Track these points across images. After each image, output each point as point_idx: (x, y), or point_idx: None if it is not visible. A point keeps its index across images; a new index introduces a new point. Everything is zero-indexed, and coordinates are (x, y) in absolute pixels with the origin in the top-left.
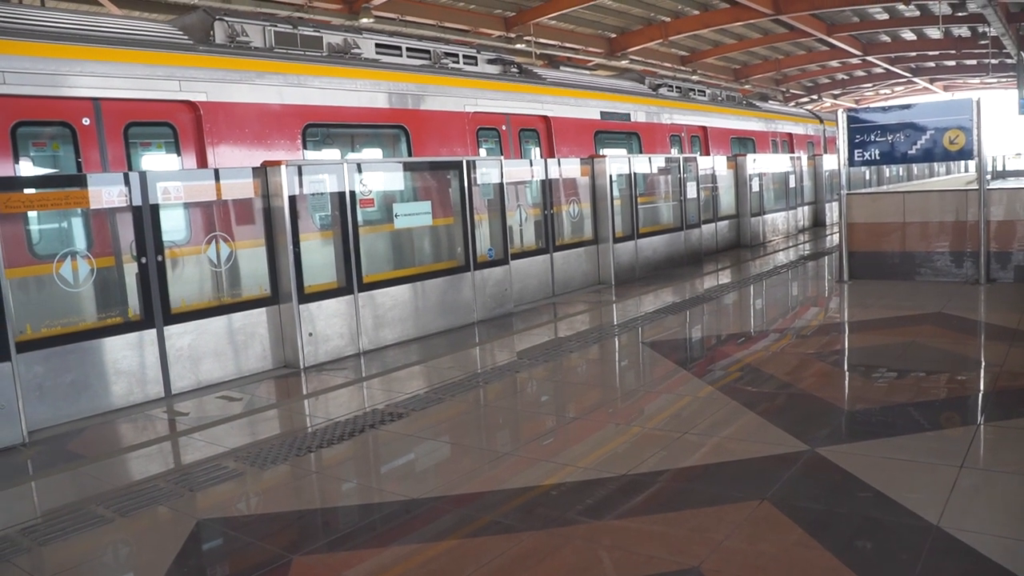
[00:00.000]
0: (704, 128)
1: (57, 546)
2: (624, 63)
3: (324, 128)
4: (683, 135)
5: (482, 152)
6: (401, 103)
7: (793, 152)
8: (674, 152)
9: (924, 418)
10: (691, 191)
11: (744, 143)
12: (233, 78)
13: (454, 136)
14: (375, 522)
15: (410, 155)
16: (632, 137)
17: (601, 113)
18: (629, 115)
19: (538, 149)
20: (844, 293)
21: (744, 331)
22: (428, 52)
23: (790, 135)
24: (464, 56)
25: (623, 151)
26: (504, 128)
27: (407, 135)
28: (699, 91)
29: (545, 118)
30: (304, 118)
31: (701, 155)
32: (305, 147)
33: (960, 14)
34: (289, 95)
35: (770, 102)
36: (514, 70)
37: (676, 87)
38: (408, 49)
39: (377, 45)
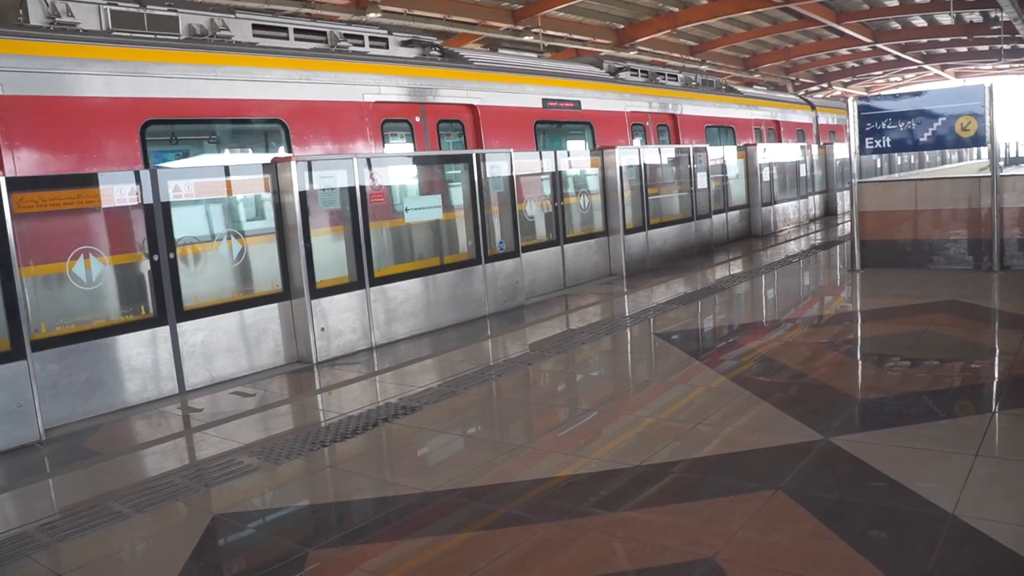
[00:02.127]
0: (673, 116)
1: (75, 542)
2: (632, 54)
3: (172, 125)
4: (648, 124)
5: (392, 147)
6: (280, 93)
7: (782, 140)
8: (637, 143)
9: (938, 407)
10: (701, 181)
11: (722, 132)
12: (42, 67)
13: (349, 130)
14: (389, 515)
15: (290, 151)
16: (583, 128)
17: (543, 101)
18: (579, 103)
19: (462, 144)
20: (856, 282)
21: (756, 321)
22: (324, 34)
23: (776, 123)
24: (372, 38)
25: (574, 144)
26: (417, 120)
27: (286, 130)
28: (670, 75)
29: (471, 107)
30: (143, 114)
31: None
32: (146, 148)
33: None
34: (122, 86)
35: (755, 87)
36: (435, 53)
37: (642, 71)
38: (297, 31)
39: (255, 27)
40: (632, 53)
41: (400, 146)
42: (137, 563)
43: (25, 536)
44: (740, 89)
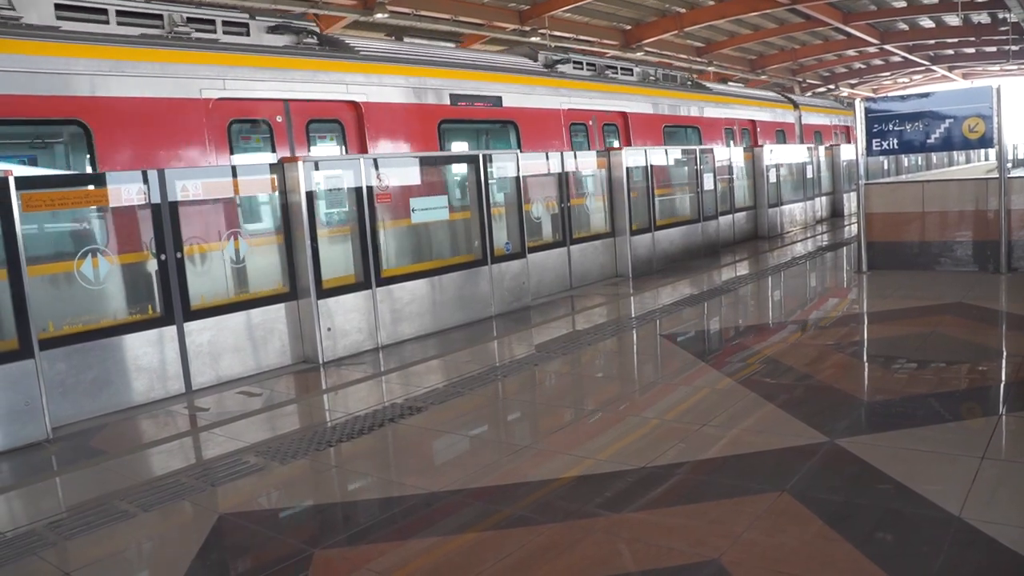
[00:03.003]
0: (624, 114)
1: (82, 540)
2: (639, 55)
3: None
4: (591, 124)
5: (242, 157)
6: (81, 89)
7: (759, 142)
8: (570, 146)
9: (945, 409)
10: (708, 182)
11: (686, 133)
12: None
13: (179, 133)
14: (395, 516)
15: (94, 164)
16: (505, 128)
17: (452, 97)
18: (500, 99)
19: (342, 147)
20: (863, 284)
21: (762, 323)
22: (159, 17)
23: (752, 122)
24: (227, 23)
25: (499, 147)
26: (280, 120)
27: (88, 133)
28: (624, 69)
29: (354, 105)
30: None
31: (621, 147)
32: None
33: (979, 0)
34: None
35: (730, 84)
36: (310, 40)
37: (588, 64)
38: (122, 13)
39: (58, 7)
40: (639, 54)
41: (255, 153)
42: (144, 562)
43: (33, 534)
44: (709, 85)
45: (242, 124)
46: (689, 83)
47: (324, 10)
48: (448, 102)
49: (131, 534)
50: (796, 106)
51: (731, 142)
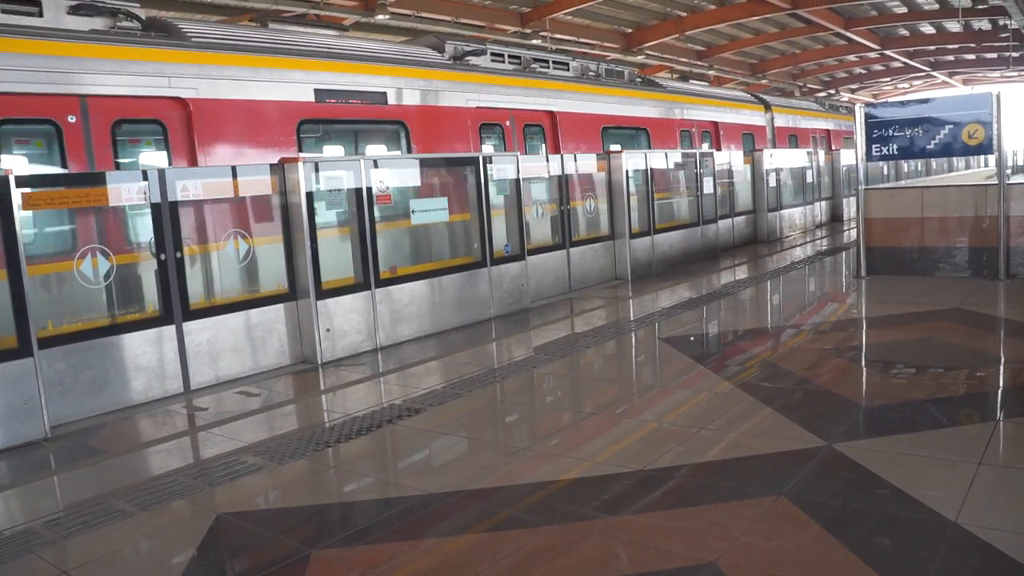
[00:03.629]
0: (551, 114)
1: (80, 539)
2: (640, 58)
3: None
4: (507, 124)
5: (16, 166)
6: None
7: (722, 147)
8: (490, 148)
9: (943, 414)
10: (708, 186)
11: (632, 135)
12: None
13: None
14: (393, 517)
15: None
16: (393, 130)
17: (317, 92)
18: (385, 95)
19: (164, 153)
20: (862, 289)
21: (761, 327)
22: None
23: (715, 124)
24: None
25: (379, 152)
26: (73, 120)
27: None
28: (557, 63)
29: (181, 102)
30: None
31: (548, 152)
32: None
33: (980, 6)
34: None
35: (691, 82)
36: (129, 23)
37: (510, 56)
38: None
39: None
40: (639, 58)
41: (36, 164)
42: (141, 561)
43: (30, 533)
44: (664, 83)
45: (17, 125)
46: (639, 80)
47: (325, 10)
48: (312, 98)
49: (129, 533)
50: (768, 107)
51: (689, 144)
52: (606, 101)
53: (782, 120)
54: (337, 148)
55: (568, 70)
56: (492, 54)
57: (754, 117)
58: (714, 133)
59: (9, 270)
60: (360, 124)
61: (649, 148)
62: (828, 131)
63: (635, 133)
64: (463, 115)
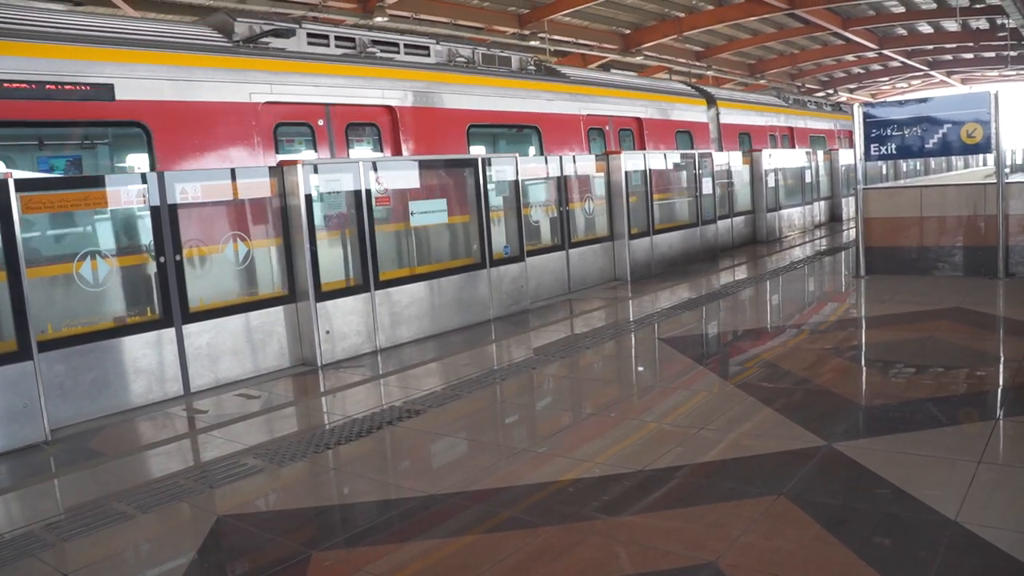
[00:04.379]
0: (390, 109)
1: (80, 542)
2: (639, 59)
3: None
4: (319, 124)
5: None
6: None
7: (646, 147)
8: (297, 155)
9: (942, 413)
10: (707, 187)
11: (517, 134)
12: None
13: None
14: (393, 518)
15: None
16: (122, 133)
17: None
18: (112, 88)
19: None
20: (861, 288)
21: (760, 327)
22: None
23: (637, 121)
24: None
25: (102, 163)
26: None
27: None
28: (412, 47)
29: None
30: None
31: (384, 153)
32: None
33: (978, 6)
34: None
35: (613, 71)
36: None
37: (338, 38)
38: None
39: None
40: (638, 59)
41: None
42: (141, 563)
43: (31, 535)
44: (567, 71)
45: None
46: (532, 68)
47: (323, 13)
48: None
49: (129, 536)
50: (712, 101)
51: (603, 145)
52: (475, 93)
53: (731, 116)
54: (26, 160)
55: (429, 55)
56: (310, 36)
57: (693, 113)
58: (637, 132)
59: (9, 273)
60: (69, 126)
61: (541, 151)
62: (791, 129)
63: (520, 132)
64: (246, 113)
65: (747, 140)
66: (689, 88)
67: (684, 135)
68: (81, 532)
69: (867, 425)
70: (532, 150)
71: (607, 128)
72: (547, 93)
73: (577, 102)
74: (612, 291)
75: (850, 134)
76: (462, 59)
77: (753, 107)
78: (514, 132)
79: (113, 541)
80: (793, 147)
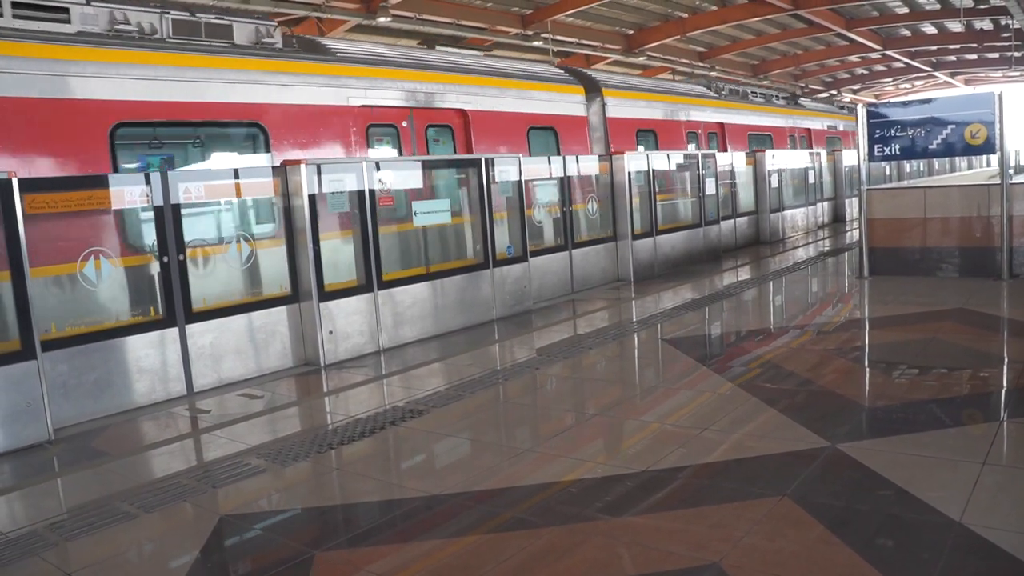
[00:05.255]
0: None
1: (83, 541)
2: (642, 59)
3: None
4: (211, 134)
5: None
6: None
7: (473, 149)
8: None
9: (946, 415)
10: (710, 187)
11: (214, 135)
12: None
13: None
14: (396, 518)
15: None
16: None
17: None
18: None
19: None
20: (864, 289)
21: (764, 328)
22: None
23: (461, 114)
24: None
25: None
26: (404, 125)
27: None
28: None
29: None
30: None
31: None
32: None
33: (982, 6)
34: None
35: (439, 48)
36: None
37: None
38: None
39: None
40: (641, 59)
41: None
42: (144, 563)
43: (34, 535)
44: (331, 44)
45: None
46: (295, 43)
47: (327, 13)
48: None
49: (132, 535)
50: (594, 89)
51: (397, 150)
52: (131, 77)
53: (624, 109)
54: None
55: (370, 54)
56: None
57: (563, 104)
58: (461, 129)
59: (13, 274)
60: None
61: (270, 157)
62: (722, 125)
63: (220, 133)
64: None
65: (651, 140)
66: (558, 73)
67: (546, 133)
68: (84, 531)
69: (870, 426)
70: (252, 157)
71: (403, 124)
72: (281, 76)
73: (347, 91)
74: (615, 291)
75: (808, 132)
76: (138, 31)
77: (659, 97)
78: (206, 132)
79: (116, 541)
80: (724, 148)
